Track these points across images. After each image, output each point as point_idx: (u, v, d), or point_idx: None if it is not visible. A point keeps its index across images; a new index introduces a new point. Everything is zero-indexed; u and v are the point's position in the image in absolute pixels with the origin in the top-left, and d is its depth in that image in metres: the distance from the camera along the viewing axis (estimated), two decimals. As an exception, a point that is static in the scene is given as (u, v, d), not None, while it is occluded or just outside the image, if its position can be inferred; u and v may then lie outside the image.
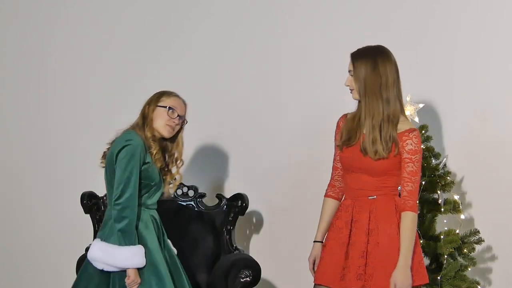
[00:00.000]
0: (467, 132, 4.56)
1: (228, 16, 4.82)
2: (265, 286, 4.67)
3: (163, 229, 3.74)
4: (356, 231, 3.42)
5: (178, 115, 3.69)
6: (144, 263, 3.52)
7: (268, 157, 4.76)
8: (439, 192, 4.22)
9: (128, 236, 3.49)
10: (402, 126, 3.41)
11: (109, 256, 3.50)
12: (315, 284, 3.52)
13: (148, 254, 3.54)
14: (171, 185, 3.81)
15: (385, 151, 3.37)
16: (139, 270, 3.52)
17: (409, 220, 3.37)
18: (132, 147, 3.54)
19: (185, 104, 3.76)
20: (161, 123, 3.65)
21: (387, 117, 3.39)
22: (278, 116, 4.76)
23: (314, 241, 3.61)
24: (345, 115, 3.57)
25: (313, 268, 3.58)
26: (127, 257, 3.49)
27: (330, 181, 3.63)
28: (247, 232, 4.82)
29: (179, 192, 4.58)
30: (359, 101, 3.47)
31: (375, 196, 3.43)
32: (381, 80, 3.39)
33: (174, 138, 3.74)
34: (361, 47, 3.48)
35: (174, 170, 3.79)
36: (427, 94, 4.49)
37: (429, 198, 4.22)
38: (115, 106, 4.81)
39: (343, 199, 3.56)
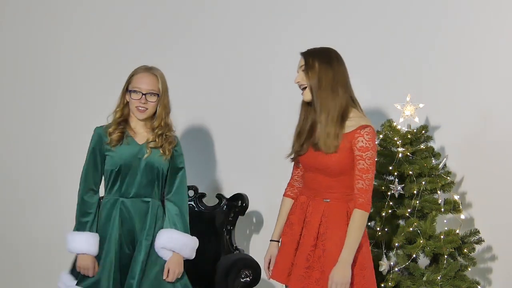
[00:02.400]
0: (467, 132, 4.56)
1: (229, 15, 4.83)
2: (265, 286, 4.67)
3: (154, 221, 3.65)
4: (306, 233, 3.44)
5: (143, 94, 3.60)
6: (91, 251, 3.54)
7: (269, 157, 4.76)
8: (439, 192, 4.22)
9: (77, 223, 3.58)
10: (355, 123, 3.39)
11: (68, 243, 3.62)
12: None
13: (106, 244, 3.56)
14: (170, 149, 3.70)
15: (337, 146, 3.35)
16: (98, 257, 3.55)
17: (357, 217, 3.36)
18: (92, 137, 3.65)
19: (155, 75, 3.64)
20: (132, 107, 3.64)
21: (341, 112, 3.37)
22: (278, 116, 4.76)
23: (271, 240, 3.65)
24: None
25: (268, 267, 3.62)
26: (70, 242, 3.58)
27: (290, 180, 3.67)
28: (247, 232, 4.82)
29: (179, 192, 4.58)
30: (305, 105, 3.48)
31: (329, 200, 3.43)
32: (336, 76, 3.38)
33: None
34: (311, 47, 3.49)
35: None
36: (427, 94, 4.49)
37: (429, 198, 4.22)
38: (115, 106, 4.79)
39: (300, 194, 3.57)
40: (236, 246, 4.45)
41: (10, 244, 4.94)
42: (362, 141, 3.36)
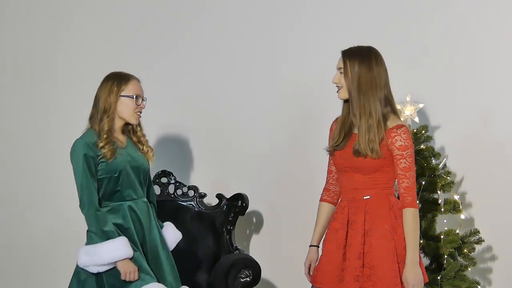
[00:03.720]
0: (467, 132, 4.56)
1: (229, 15, 4.83)
2: (265, 286, 4.67)
3: (153, 218, 3.69)
4: (352, 233, 3.41)
5: (142, 100, 3.67)
6: (131, 254, 3.51)
7: (269, 157, 4.76)
8: (439, 192, 4.22)
9: (102, 233, 3.51)
10: (390, 123, 3.38)
11: (95, 256, 3.51)
12: (312, 286, 3.51)
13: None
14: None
15: (382, 150, 3.34)
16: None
17: (410, 216, 3.35)
18: (76, 151, 3.56)
19: (139, 81, 3.71)
20: (129, 113, 3.63)
21: (383, 117, 3.36)
22: (279, 116, 4.76)
23: (310, 246, 3.61)
24: (336, 119, 3.55)
25: (309, 272, 3.58)
26: (108, 252, 3.49)
27: (325, 185, 3.62)
28: (247, 232, 4.82)
29: (179, 192, 4.59)
30: (345, 101, 3.44)
31: (369, 196, 3.42)
32: (376, 80, 3.36)
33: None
34: (352, 46, 3.45)
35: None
36: (427, 94, 4.50)
37: (429, 198, 4.22)
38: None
39: (340, 201, 3.54)
40: (236, 246, 4.45)
41: (10, 244, 4.94)
42: (401, 140, 3.35)
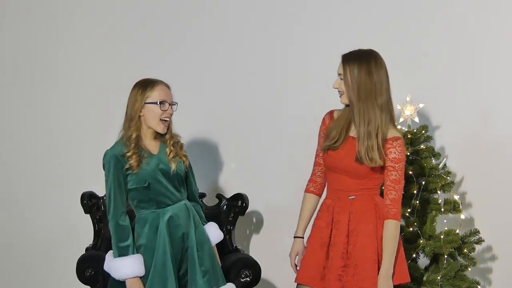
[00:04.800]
0: (467, 132, 4.57)
1: (229, 15, 4.83)
2: (265, 286, 4.67)
3: (192, 220, 3.68)
4: (337, 232, 3.42)
5: (169, 105, 3.64)
6: (141, 273, 3.55)
7: (269, 157, 4.76)
8: (439, 192, 4.22)
9: (117, 249, 3.56)
10: (388, 133, 3.37)
11: (109, 267, 3.61)
12: (297, 284, 3.53)
13: (154, 260, 3.56)
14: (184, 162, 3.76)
15: (381, 158, 3.34)
16: (144, 277, 3.56)
17: (391, 229, 3.36)
18: (107, 162, 3.57)
19: (168, 87, 3.68)
20: (155, 121, 3.61)
21: (382, 124, 3.34)
22: (278, 116, 4.76)
23: (295, 237, 3.62)
24: (332, 112, 3.54)
25: (295, 265, 3.60)
26: (118, 269, 3.55)
27: (312, 176, 3.62)
28: (247, 232, 4.82)
29: (179, 192, 4.58)
30: (347, 105, 3.42)
31: (354, 197, 3.43)
32: (375, 86, 3.33)
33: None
34: (352, 50, 3.41)
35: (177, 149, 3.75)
36: (427, 94, 4.49)
37: (429, 198, 4.22)
38: (115, 106, 4.79)
39: (324, 197, 3.55)
40: (236, 246, 4.45)
41: (10, 244, 4.94)
42: (395, 152, 3.35)
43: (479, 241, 4.27)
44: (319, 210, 3.54)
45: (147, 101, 3.60)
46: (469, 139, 4.56)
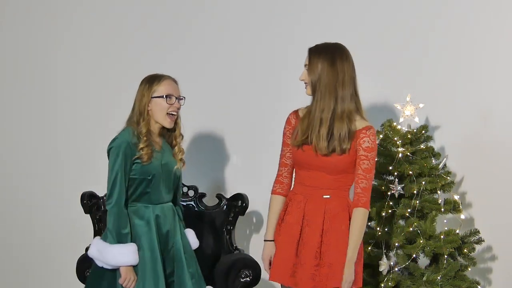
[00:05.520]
0: (467, 132, 4.57)
1: (229, 15, 4.83)
2: (265, 286, 4.67)
3: (177, 223, 3.69)
4: (309, 231, 3.43)
5: (176, 98, 3.64)
6: (136, 262, 3.52)
7: (268, 157, 4.75)
8: (439, 192, 4.22)
9: (116, 235, 3.51)
10: (358, 124, 3.40)
11: (102, 254, 3.53)
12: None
13: (142, 252, 3.55)
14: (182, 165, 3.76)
15: (343, 146, 3.35)
16: (136, 267, 3.53)
17: (360, 216, 3.38)
18: (117, 147, 3.54)
19: (175, 81, 3.69)
20: (162, 115, 3.61)
21: (340, 114, 3.36)
22: (278, 116, 4.75)
23: (265, 240, 3.62)
24: (296, 112, 3.56)
25: (269, 268, 3.60)
26: (115, 255, 3.50)
27: (278, 177, 3.63)
28: (247, 232, 4.82)
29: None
30: (312, 97, 3.45)
31: (329, 196, 3.43)
32: (337, 77, 3.37)
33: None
34: (319, 43, 3.47)
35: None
36: (427, 94, 4.50)
37: (429, 198, 4.22)
38: (115, 106, 4.80)
39: (293, 194, 3.54)
40: (236, 246, 4.45)
41: (10, 244, 4.94)
42: (368, 141, 3.38)
43: (479, 241, 4.27)
44: (287, 205, 3.54)
45: (154, 95, 3.60)
46: (469, 139, 4.56)
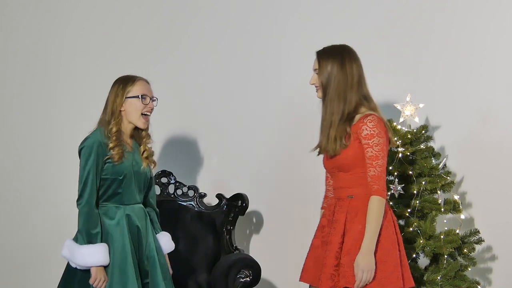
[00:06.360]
0: (467, 132, 4.56)
1: (230, 15, 4.83)
2: (265, 286, 4.67)
3: (149, 225, 3.68)
4: (333, 231, 3.43)
5: (150, 99, 3.64)
6: (106, 262, 3.51)
7: (268, 157, 4.76)
8: (439, 192, 4.22)
9: (86, 235, 3.50)
10: (357, 117, 3.40)
11: (72, 254, 3.54)
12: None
13: (112, 253, 3.53)
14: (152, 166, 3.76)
15: (341, 146, 3.36)
16: (106, 268, 3.52)
17: (374, 204, 3.34)
18: (88, 147, 3.54)
19: (148, 82, 3.69)
20: (136, 115, 3.61)
21: (346, 116, 3.38)
22: (278, 116, 4.76)
23: None
24: None
25: None
26: (84, 256, 3.50)
27: (325, 192, 3.66)
28: (247, 232, 4.82)
29: (179, 192, 4.58)
30: (323, 100, 3.47)
31: (352, 196, 3.43)
32: (347, 79, 3.39)
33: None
34: (326, 46, 3.49)
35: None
36: (427, 94, 4.50)
37: (429, 198, 4.22)
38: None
39: (330, 199, 3.58)
40: (236, 246, 4.45)
41: (10, 244, 4.94)
42: (366, 129, 3.35)
43: (479, 241, 4.26)
44: (325, 210, 3.59)
45: (128, 95, 3.61)
46: (469, 139, 4.56)
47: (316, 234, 3.55)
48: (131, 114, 3.62)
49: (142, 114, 3.63)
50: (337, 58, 3.41)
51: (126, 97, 3.61)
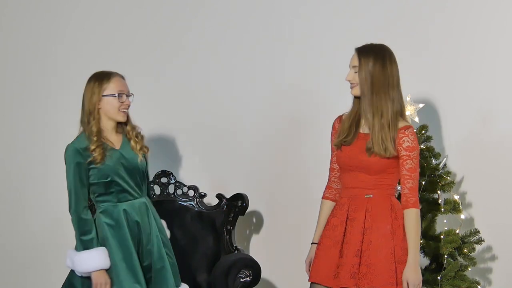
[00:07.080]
0: (467, 132, 4.56)
1: (230, 15, 4.83)
2: (265, 286, 4.67)
3: (152, 218, 3.66)
4: (352, 230, 3.42)
5: (126, 96, 3.61)
6: (106, 265, 3.52)
7: (268, 157, 4.76)
8: (439, 192, 4.22)
9: (81, 242, 3.53)
10: (399, 124, 3.41)
11: (74, 262, 3.57)
12: (311, 283, 3.52)
13: (114, 253, 3.54)
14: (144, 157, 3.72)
15: (394, 149, 3.37)
16: (111, 269, 3.53)
17: (413, 217, 3.38)
18: (67, 156, 3.58)
19: (123, 78, 3.65)
20: (114, 111, 3.58)
21: (394, 117, 3.39)
22: (278, 116, 4.76)
23: (312, 243, 3.61)
24: (340, 117, 3.56)
25: (309, 270, 3.58)
26: (82, 262, 3.52)
27: (328, 183, 3.63)
28: (247, 232, 4.82)
29: (179, 192, 4.58)
30: (356, 98, 3.45)
31: (371, 195, 3.43)
32: (389, 79, 3.39)
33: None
34: (366, 43, 3.48)
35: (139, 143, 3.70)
36: (427, 94, 4.50)
37: (429, 198, 4.22)
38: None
39: (340, 198, 3.54)
40: (236, 246, 4.45)
41: (10, 244, 4.94)
42: (408, 141, 3.38)
43: (479, 241, 4.27)
44: (334, 209, 3.54)
45: (105, 93, 3.57)
46: (469, 139, 4.56)
47: (326, 233, 3.50)
48: (109, 112, 3.59)
49: (119, 111, 3.59)
50: (379, 57, 3.40)
51: (102, 95, 3.57)
